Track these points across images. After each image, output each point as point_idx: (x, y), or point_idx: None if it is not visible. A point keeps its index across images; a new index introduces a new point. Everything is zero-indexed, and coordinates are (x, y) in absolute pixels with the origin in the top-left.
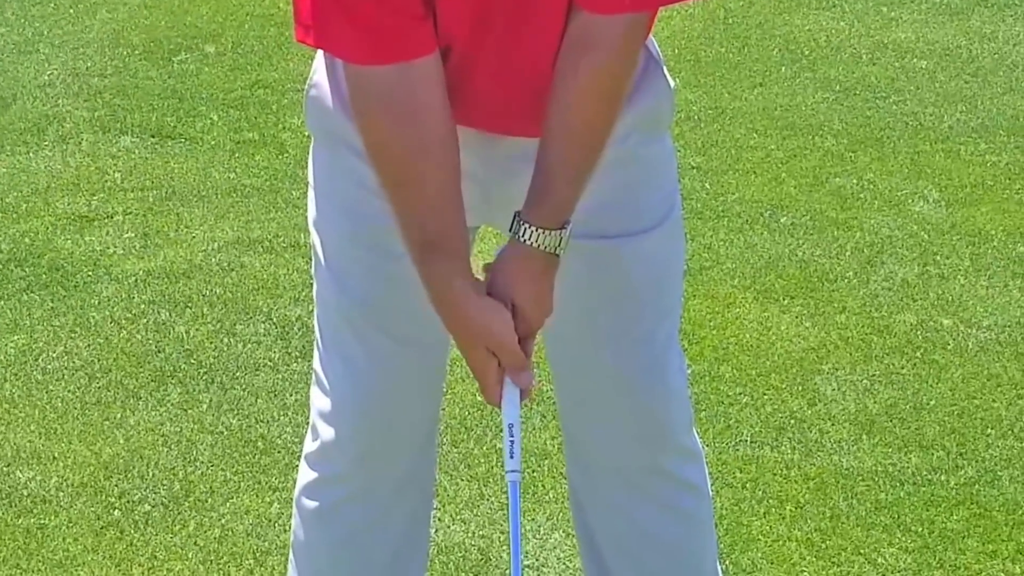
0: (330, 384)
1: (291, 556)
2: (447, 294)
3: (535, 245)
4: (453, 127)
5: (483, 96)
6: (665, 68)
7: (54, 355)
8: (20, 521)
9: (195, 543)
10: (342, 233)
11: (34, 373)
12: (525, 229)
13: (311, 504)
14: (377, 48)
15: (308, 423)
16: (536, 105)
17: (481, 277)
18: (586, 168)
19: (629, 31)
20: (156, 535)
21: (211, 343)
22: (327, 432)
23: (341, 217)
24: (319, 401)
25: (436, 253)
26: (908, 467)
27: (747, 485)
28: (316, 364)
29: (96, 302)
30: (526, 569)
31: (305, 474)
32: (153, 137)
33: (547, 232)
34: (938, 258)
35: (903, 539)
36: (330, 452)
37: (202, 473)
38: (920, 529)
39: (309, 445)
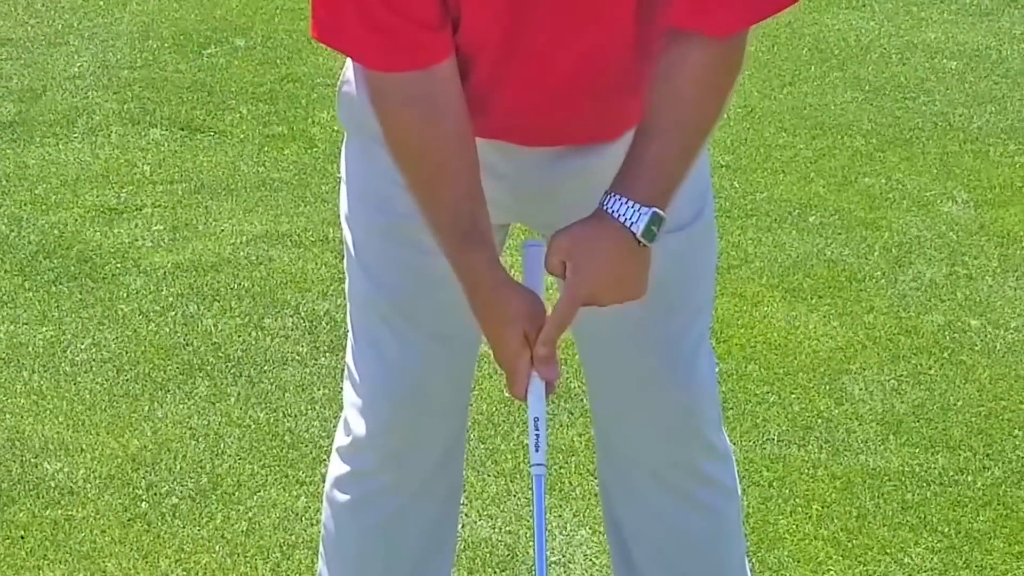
0: (362, 379)
1: (321, 549)
2: (483, 280)
3: (612, 212)
4: (470, 124)
5: (512, 109)
6: None
7: (82, 347)
8: (47, 512)
9: (222, 536)
10: (374, 228)
11: (62, 365)
12: (608, 198)
13: (342, 497)
14: (393, 55)
15: (336, 417)
16: (566, 120)
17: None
18: (684, 156)
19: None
20: (183, 528)
21: (239, 337)
22: (359, 426)
23: (373, 212)
24: (351, 396)
25: (471, 242)
26: (935, 467)
27: (774, 484)
28: (348, 359)
29: (125, 294)
30: (552, 565)
31: (336, 467)
32: (182, 130)
33: (629, 203)
34: (966, 259)
35: (930, 539)
36: (362, 446)
37: (229, 466)
38: (947, 529)
39: (341, 439)
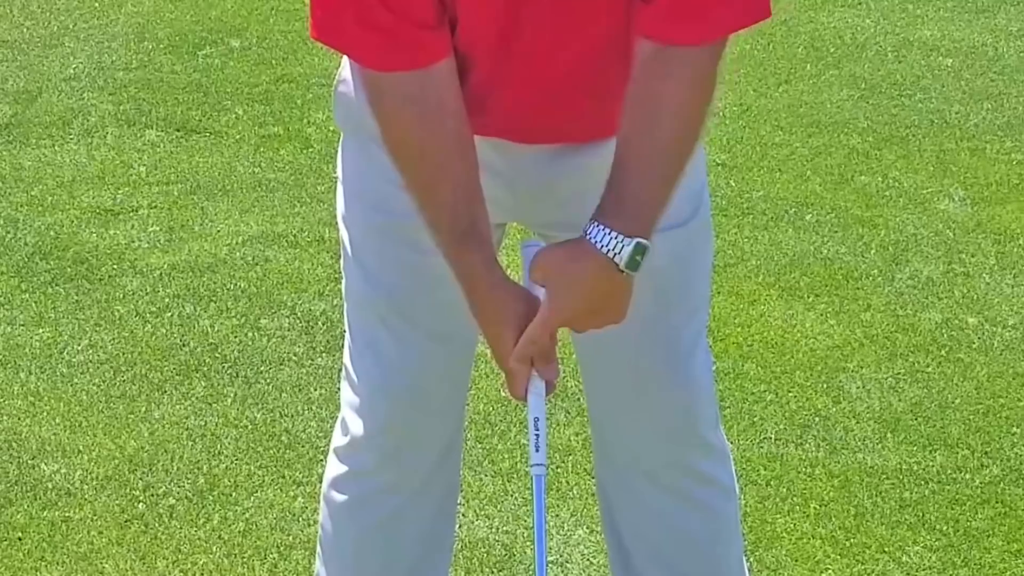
0: (359, 378)
1: (318, 550)
2: (481, 281)
3: (595, 242)
4: (468, 123)
5: (511, 109)
6: None
7: (79, 348)
8: (45, 514)
9: (219, 537)
10: (371, 228)
11: (59, 366)
12: (591, 227)
13: (340, 497)
14: (391, 54)
15: (333, 417)
16: (565, 118)
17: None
18: (666, 183)
19: (713, 52)
20: (180, 528)
21: (236, 337)
22: (357, 426)
23: (370, 212)
24: (349, 396)
25: (469, 243)
26: (933, 465)
27: (771, 483)
28: (346, 359)
29: (121, 295)
30: (550, 565)
31: (334, 467)
32: (178, 131)
33: (612, 233)
34: (963, 256)
35: (927, 537)
36: (360, 446)
37: (226, 467)
38: (945, 528)
39: (338, 439)
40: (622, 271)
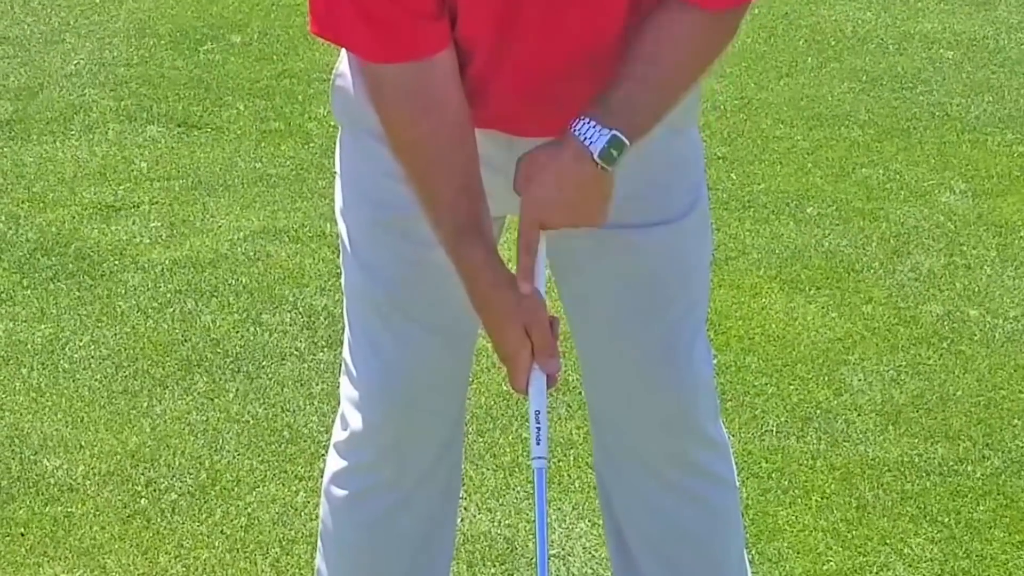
0: (359, 373)
1: (319, 544)
2: (482, 275)
3: (575, 132)
4: (469, 115)
5: (507, 101)
6: None
7: (81, 344)
8: (47, 509)
9: (221, 532)
10: (369, 221)
11: (61, 362)
12: (576, 119)
13: (340, 492)
14: (390, 46)
15: (334, 412)
16: (564, 110)
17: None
18: (657, 101)
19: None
20: (183, 524)
21: (237, 332)
22: (356, 421)
23: (368, 205)
24: (348, 390)
25: (469, 237)
26: (934, 457)
27: (773, 475)
28: (345, 354)
29: (123, 291)
30: (552, 558)
31: (334, 462)
32: (179, 126)
33: (593, 124)
34: (964, 248)
35: (929, 529)
36: (359, 440)
37: (228, 462)
38: (946, 520)
39: (338, 434)
40: (596, 162)
